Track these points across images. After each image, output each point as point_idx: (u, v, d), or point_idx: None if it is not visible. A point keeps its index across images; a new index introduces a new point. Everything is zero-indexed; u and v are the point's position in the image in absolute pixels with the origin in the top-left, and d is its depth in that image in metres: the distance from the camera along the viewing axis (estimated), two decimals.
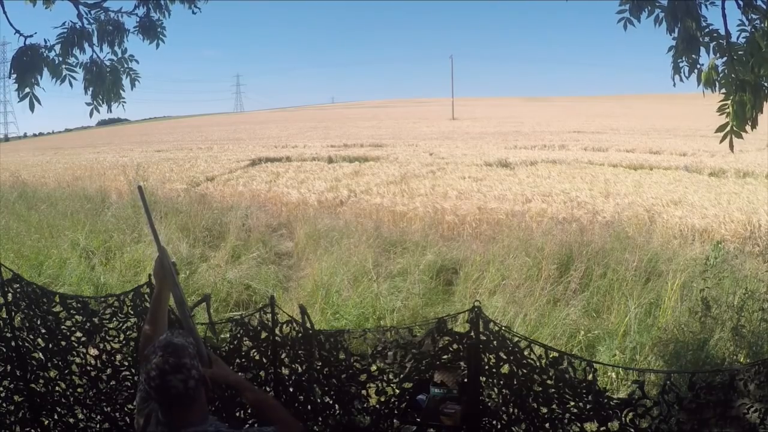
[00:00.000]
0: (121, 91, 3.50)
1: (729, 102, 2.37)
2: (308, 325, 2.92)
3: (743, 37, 2.39)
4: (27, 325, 3.33)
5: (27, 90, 3.09)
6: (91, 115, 3.47)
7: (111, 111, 3.54)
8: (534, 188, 12.40)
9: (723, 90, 2.43)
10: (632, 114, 51.40)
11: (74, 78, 3.27)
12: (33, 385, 3.43)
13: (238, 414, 3.05)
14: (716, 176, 14.40)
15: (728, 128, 2.40)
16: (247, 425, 2.98)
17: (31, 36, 3.18)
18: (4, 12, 3.18)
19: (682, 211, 9.59)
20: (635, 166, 16.66)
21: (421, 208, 10.49)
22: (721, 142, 2.42)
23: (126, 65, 3.50)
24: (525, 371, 2.61)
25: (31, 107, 3.12)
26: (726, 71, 2.42)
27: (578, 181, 13.37)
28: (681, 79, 2.59)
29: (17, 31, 3.19)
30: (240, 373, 3.03)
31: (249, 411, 3.01)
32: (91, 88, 3.40)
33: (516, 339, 2.65)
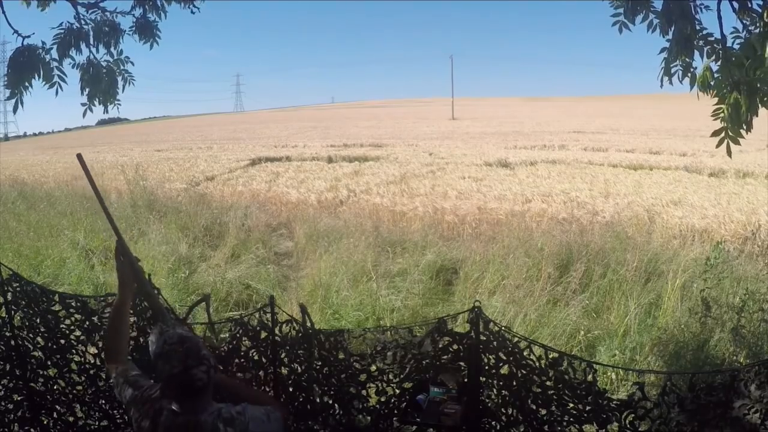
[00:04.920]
0: (117, 92, 3.49)
1: (723, 107, 2.36)
2: (309, 324, 2.91)
3: (737, 44, 2.37)
4: (26, 324, 3.33)
5: (16, 91, 3.09)
6: (84, 115, 3.46)
7: (107, 112, 3.53)
8: (534, 188, 12.38)
9: (717, 94, 2.41)
10: (632, 114, 51.36)
11: (65, 83, 3.26)
12: (32, 384, 3.42)
13: None
14: (716, 176, 14.36)
15: (724, 132, 2.39)
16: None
17: (29, 36, 3.18)
18: (3, 12, 3.17)
19: (682, 212, 9.57)
20: (635, 166, 16.64)
21: (421, 208, 10.47)
22: (717, 146, 2.41)
23: (121, 66, 3.49)
24: (524, 372, 2.60)
25: (14, 109, 3.12)
26: (721, 73, 2.40)
27: (578, 182, 13.35)
28: (670, 82, 2.58)
29: (15, 31, 3.18)
30: (239, 374, 2.99)
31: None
32: (87, 89, 3.39)
33: (516, 339, 2.64)
